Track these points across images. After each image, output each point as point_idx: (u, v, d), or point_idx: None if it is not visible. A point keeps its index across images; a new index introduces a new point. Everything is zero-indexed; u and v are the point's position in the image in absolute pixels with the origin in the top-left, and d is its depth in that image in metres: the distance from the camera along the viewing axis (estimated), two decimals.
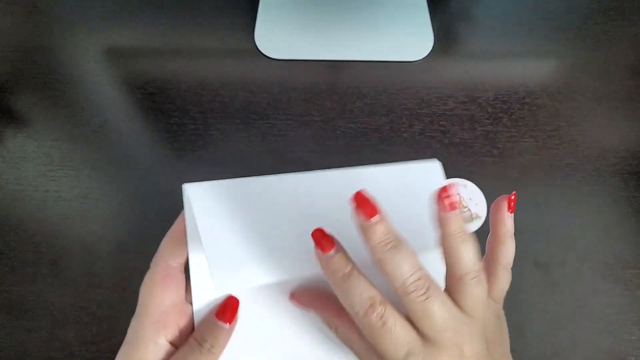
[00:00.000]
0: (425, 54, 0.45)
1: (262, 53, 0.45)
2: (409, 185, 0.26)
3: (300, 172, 0.24)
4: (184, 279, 0.24)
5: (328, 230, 0.22)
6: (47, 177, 0.38)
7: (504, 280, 0.23)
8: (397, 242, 0.19)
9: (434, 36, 0.46)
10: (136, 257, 0.35)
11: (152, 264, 0.24)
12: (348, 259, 0.20)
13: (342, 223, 0.22)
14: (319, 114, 0.41)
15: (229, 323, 0.23)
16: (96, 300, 0.33)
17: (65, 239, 0.36)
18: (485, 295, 0.20)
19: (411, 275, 0.18)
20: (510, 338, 0.32)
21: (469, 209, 0.34)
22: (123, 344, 0.23)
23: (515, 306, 0.33)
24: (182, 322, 0.23)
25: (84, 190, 0.38)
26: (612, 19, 0.48)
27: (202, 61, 0.45)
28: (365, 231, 0.19)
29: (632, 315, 0.33)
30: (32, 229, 0.36)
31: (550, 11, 0.49)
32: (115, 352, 0.32)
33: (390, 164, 0.25)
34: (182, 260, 0.24)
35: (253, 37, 0.46)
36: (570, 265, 0.35)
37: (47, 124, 0.41)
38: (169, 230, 0.24)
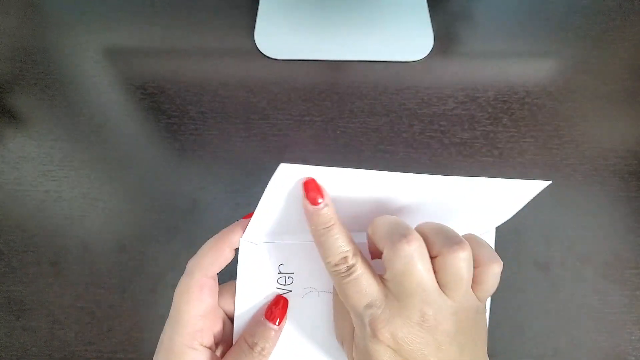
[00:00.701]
0: (425, 54, 0.45)
1: (262, 53, 0.45)
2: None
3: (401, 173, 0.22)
4: (217, 285, 0.24)
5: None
6: (47, 177, 0.38)
7: (492, 281, 0.22)
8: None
9: (434, 36, 0.46)
10: (136, 257, 0.35)
11: (188, 271, 0.23)
12: (333, 213, 0.21)
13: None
14: (319, 114, 0.41)
15: (279, 324, 0.23)
16: (96, 300, 0.33)
17: (65, 239, 0.36)
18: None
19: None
20: (511, 338, 0.32)
21: None
22: (158, 351, 0.23)
23: (515, 306, 0.33)
24: (217, 327, 0.24)
25: (84, 190, 0.38)
26: (612, 19, 0.48)
27: (202, 61, 0.45)
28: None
29: (632, 315, 0.33)
30: (32, 229, 0.36)
31: (550, 11, 0.49)
32: (115, 352, 0.32)
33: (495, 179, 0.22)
34: (220, 269, 0.23)
35: (253, 37, 0.46)
36: (570, 265, 0.35)
37: (47, 124, 0.41)
38: (212, 239, 0.23)
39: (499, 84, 0.43)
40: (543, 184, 0.23)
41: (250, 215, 0.23)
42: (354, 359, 0.20)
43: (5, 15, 0.48)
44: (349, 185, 0.23)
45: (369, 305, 0.19)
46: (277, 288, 0.24)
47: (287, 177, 0.21)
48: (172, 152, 0.40)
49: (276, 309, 0.24)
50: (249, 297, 0.24)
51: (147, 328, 0.33)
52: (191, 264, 0.23)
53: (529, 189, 0.23)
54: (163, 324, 0.32)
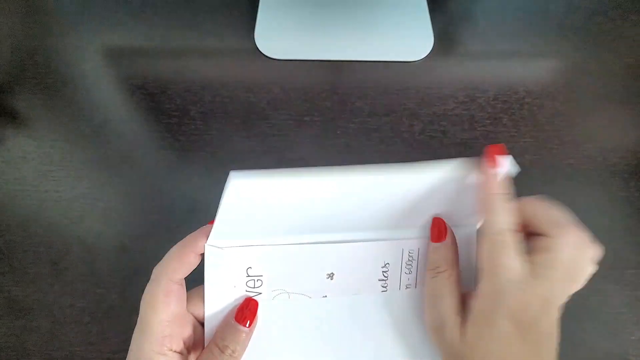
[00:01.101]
0: (425, 54, 0.45)
1: (262, 53, 0.45)
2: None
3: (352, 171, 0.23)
4: (184, 290, 0.24)
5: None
6: (47, 177, 0.38)
7: None
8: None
9: (434, 36, 0.46)
10: (136, 257, 0.35)
11: (153, 278, 0.23)
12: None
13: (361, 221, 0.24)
14: (319, 114, 0.41)
15: (249, 326, 0.23)
16: (96, 300, 0.33)
17: (65, 239, 0.36)
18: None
19: None
20: None
21: None
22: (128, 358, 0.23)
23: None
24: (186, 332, 0.24)
25: (84, 190, 0.38)
26: (612, 19, 0.48)
27: (202, 61, 0.45)
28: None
29: (632, 315, 0.33)
30: (32, 229, 0.36)
31: (550, 11, 0.49)
32: (115, 352, 0.32)
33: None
34: (185, 275, 0.23)
35: (253, 37, 0.46)
36: None
37: (47, 124, 0.41)
38: (177, 245, 0.24)
39: (499, 84, 0.43)
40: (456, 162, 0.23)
41: (213, 221, 0.23)
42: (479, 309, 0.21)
43: (5, 15, 0.48)
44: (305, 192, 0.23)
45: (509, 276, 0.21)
46: (246, 291, 0.24)
47: (241, 184, 0.22)
48: (172, 152, 0.40)
49: (246, 310, 0.24)
50: (218, 301, 0.24)
51: None
52: (157, 270, 0.23)
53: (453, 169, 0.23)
54: None
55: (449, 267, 0.23)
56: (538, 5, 0.49)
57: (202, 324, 0.24)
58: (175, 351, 0.23)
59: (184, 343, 0.24)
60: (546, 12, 0.49)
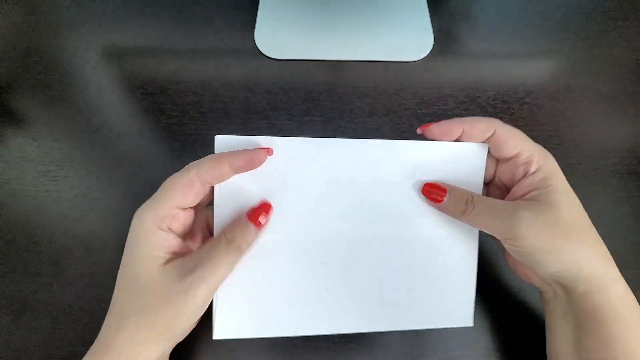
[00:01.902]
0: (425, 54, 0.45)
1: (262, 53, 0.45)
2: (454, 162, 0.28)
3: (342, 139, 0.27)
4: (204, 194, 0.26)
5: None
6: (47, 177, 0.38)
7: None
8: None
9: (434, 36, 0.46)
10: None
11: (185, 168, 0.25)
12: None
13: (374, 192, 0.27)
14: (319, 114, 0.41)
15: (259, 226, 0.26)
16: (96, 300, 0.33)
17: (65, 239, 0.36)
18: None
19: None
20: (511, 338, 0.32)
21: None
22: (131, 232, 0.25)
23: (515, 306, 0.33)
24: (188, 223, 0.26)
25: (84, 190, 0.38)
26: (612, 19, 0.48)
27: (202, 61, 0.45)
28: None
29: None
30: (32, 229, 0.36)
31: (550, 11, 0.49)
32: None
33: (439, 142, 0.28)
34: (212, 180, 0.25)
35: (253, 37, 0.46)
36: None
37: (47, 124, 0.41)
38: (217, 154, 0.26)
39: (499, 84, 0.43)
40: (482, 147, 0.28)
41: (263, 149, 0.27)
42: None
43: (5, 15, 0.48)
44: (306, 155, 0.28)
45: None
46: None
47: (225, 139, 0.26)
48: (172, 152, 0.40)
49: (259, 211, 0.26)
50: (230, 199, 0.27)
51: None
52: (191, 164, 0.25)
53: (472, 152, 0.28)
54: None
55: (472, 195, 0.26)
56: (538, 5, 0.49)
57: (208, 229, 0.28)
58: (174, 232, 0.25)
59: (184, 229, 0.26)
60: (546, 12, 0.49)
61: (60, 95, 0.42)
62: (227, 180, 0.26)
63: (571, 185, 0.37)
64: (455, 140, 0.27)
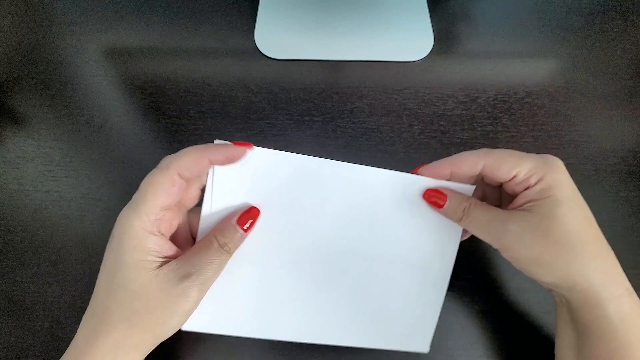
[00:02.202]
0: (425, 54, 0.45)
1: (262, 53, 0.45)
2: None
3: (332, 160, 0.28)
4: (185, 190, 0.26)
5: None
6: (47, 177, 0.38)
7: None
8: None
9: (434, 36, 0.46)
10: None
11: (164, 165, 0.25)
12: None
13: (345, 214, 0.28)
14: (319, 114, 0.41)
15: (246, 230, 0.26)
16: None
17: (65, 239, 0.36)
18: None
19: None
20: (511, 338, 0.32)
21: None
22: (113, 236, 0.25)
23: (515, 306, 0.33)
24: (175, 222, 0.27)
25: (84, 190, 0.38)
26: (612, 19, 0.48)
27: (202, 61, 0.45)
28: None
29: None
30: (32, 229, 0.36)
31: (550, 11, 0.49)
32: None
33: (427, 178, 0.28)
34: (191, 175, 0.25)
35: (253, 37, 0.46)
36: None
37: (47, 124, 0.41)
38: (195, 147, 0.25)
39: (499, 84, 0.43)
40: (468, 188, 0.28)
41: (241, 143, 0.26)
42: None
43: (5, 15, 0.48)
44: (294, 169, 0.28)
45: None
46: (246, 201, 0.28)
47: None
48: (172, 152, 0.39)
49: (247, 216, 0.27)
50: (219, 203, 0.27)
51: None
52: (168, 159, 0.25)
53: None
54: None
55: (470, 202, 0.26)
56: (538, 5, 0.49)
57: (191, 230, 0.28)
58: (165, 236, 0.25)
59: (171, 230, 0.26)
60: (546, 12, 0.49)
61: (60, 95, 0.42)
62: (219, 184, 0.27)
63: None
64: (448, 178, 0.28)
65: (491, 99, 0.43)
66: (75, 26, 0.47)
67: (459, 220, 0.27)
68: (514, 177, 0.25)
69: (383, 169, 0.28)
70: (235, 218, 0.26)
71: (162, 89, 0.43)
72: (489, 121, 0.41)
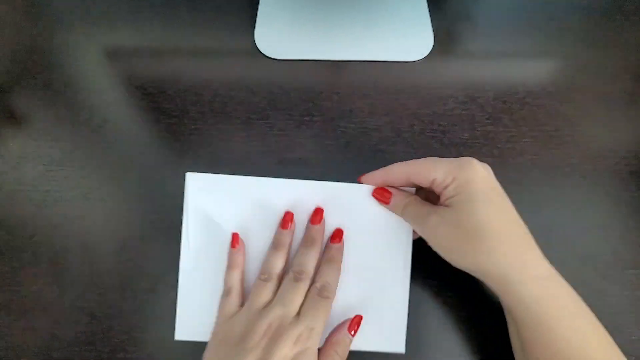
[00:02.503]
0: (425, 54, 0.45)
1: (262, 53, 0.45)
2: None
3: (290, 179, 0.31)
4: None
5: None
6: (47, 177, 0.38)
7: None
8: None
9: (434, 36, 0.46)
10: (136, 257, 0.35)
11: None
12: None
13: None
14: (319, 114, 0.41)
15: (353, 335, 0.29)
16: (96, 300, 0.33)
17: (65, 239, 0.36)
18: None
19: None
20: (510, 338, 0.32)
21: None
22: None
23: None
24: None
25: (84, 190, 0.38)
26: (612, 19, 0.48)
27: (202, 61, 0.45)
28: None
29: (632, 315, 0.33)
30: (32, 229, 0.36)
31: (550, 11, 0.49)
32: (115, 352, 0.32)
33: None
34: None
35: (253, 37, 0.46)
36: (570, 265, 0.34)
37: (47, 124, 0.41)
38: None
39: (499, 84, 0.43)
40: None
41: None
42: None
43: (5, 15, 0.48)
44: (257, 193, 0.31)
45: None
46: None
47: (196, 178, 0.31)
48: (172, 152, 0.40)
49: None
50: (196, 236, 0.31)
51: (147, 328, 0.33)
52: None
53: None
54: (163, 323, 0.33)
55: (410, 199, 0.30)
56: (538, 5, 0.49)
57: None
58: None
59: None
60: (546, 12, 0.49)
61: (60, 95, 0.42)
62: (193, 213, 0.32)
63: (571, 185, 0.37)
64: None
65: (491, 99, 0.43)
66: (76, 26, 0.47)
67: (401, 215, 0.30)
68: (434, 180, 0.28)
69: (329, 182, 0.31)
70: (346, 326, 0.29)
71: (162, 89, 0.43)
72: (489, 121, 0.41)
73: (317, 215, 0.31)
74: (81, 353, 0.32)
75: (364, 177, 0.31)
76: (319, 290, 0.29)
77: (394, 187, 0.31)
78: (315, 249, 0.30)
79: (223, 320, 0.29)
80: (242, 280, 0.31)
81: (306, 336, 0.26)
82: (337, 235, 0.31)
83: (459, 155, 0.39)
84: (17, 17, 0.48)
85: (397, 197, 0.30)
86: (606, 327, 0.33)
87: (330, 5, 0.48)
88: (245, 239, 0.31)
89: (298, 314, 0.28)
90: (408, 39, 0.46)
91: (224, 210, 0.31)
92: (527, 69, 0.45)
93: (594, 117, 0.42)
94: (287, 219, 0.31)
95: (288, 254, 0.31)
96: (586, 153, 0.40)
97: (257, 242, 0.31)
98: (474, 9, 0.49)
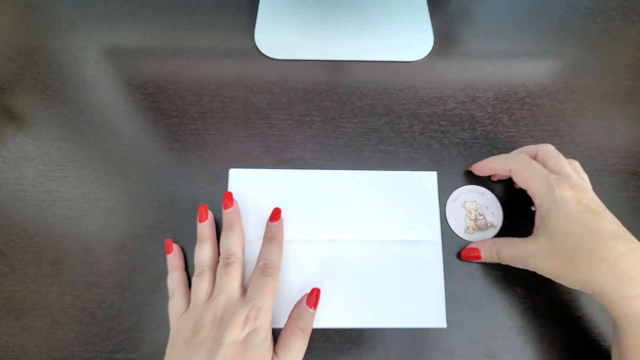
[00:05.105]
0: (425, 54, 0.45)
1: (262, 53, 0.45)
2: (409, 188, 0.37)
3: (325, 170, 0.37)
4: None
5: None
6: (47, 177, 0.38)
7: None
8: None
9: (434, 36, 0.46)
10: (136, 257, 0.35)
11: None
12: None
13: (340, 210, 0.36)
14: (319, 114, 0.41)
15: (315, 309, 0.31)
16: (96, 300, 0.34)
17: (65, 239, 0.36)
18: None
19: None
20: (510, 338, 0.32)
21: (484, 217, 0.35)
22: None
23: (515, 306, 0.33)
24: None
25: (84, 190, 0.38)
26: (612, 19, 0.48)
27: (202, 61, 0.45)
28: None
29: None
30: (32, 229, 0.36)
31: (550, 11, 0.49)
32: (115, 352, 0.32)
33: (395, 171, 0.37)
34: None
35: (253, 37, 0.46)
36: None
37: (47, 124, 0.41)
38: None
39: (499, 84, 0.43)
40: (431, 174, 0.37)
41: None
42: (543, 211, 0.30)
43: (5, 15, 0.48)
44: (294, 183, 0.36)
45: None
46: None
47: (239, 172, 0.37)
48: (172, 152, 0.40)
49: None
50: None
51: (147, 328, 0.33)
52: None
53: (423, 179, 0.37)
54: (163, 324, 0.33)
55: (496, 244, 0.33)
56: (538, 5, 0.49)
57: None
58: None
59: None
60: (546, 12, 0.49)
61: (60, 95, 0.42)
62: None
63: None
64: (491, 175, 0.37)
65: (491, 99, 0.43)
66: (76, 26, 0.47)
67: (499, 261, 0.32)
68: (527, 189, 0.31)
69: (362, 171, 0.37)
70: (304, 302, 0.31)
71: (162, 89, 0.43)
72: (489, 121, 0.41)
73: (228, 200, 0.34)
74: (81, 353, 0.32)
75: (474, 167, 0.36)
76: (262, 269, 0.29)
77: (475, 242, 0.34)
78: (235, 230, 0.32)
79: (173, 322, 0.30)
80: (185, 280, 0.32)
81: (254, 315, 0.27)
82: (275, 214, 0.33)
83: (459, 155, 0.39)
84: (17, 17, 0.48)
85: (485, 249, 0.33)
86: (606, 327, 0.33)
87: (330, 6, 0.48)
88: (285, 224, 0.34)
89: (243, 296, 0.28)
90: (408, 39, 0.46)
91: (260, 201, 0.35)
92: (527, 69, 0.45)
93: (594, 117, 0.42)
94: (202, 213, 0.34)
95: (214, 244, 0.33)
96: (586, 153, 0.40)
97: (296, 225, 0.35)
98: (474, 9, 0.49)
